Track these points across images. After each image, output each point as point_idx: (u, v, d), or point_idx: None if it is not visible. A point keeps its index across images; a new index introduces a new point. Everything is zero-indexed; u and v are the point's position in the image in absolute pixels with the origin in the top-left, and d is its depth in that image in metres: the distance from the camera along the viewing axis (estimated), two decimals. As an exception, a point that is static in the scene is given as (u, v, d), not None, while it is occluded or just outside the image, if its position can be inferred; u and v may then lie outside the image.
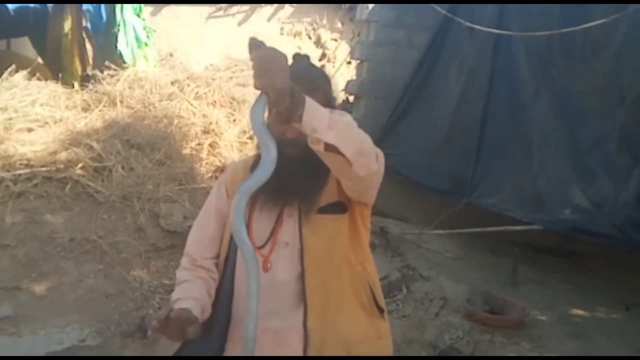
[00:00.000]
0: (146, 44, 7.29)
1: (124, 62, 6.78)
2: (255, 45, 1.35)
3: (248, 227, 1.71)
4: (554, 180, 4.87)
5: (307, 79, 1.66)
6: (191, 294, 1.74)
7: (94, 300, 4.25)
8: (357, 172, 1.51)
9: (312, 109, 1.39)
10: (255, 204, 1.76)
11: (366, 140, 1.53)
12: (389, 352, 1.91)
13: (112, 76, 6.53)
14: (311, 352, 1.70)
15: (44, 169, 5.05)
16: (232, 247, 1.79)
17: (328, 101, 1.70)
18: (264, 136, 1.37)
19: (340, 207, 1.75)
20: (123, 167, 5.33)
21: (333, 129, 1.41)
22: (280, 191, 1.71)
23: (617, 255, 5.10)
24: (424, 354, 4.02)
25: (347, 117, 1.49)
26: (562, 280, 5.09)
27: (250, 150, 6.59)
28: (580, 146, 4.79)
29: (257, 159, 1.75)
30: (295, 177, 1.68)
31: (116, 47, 6.80)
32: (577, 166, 4.77)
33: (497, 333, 4.06)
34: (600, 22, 4.45)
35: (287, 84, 1.33)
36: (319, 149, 1.45)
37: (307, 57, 1.83)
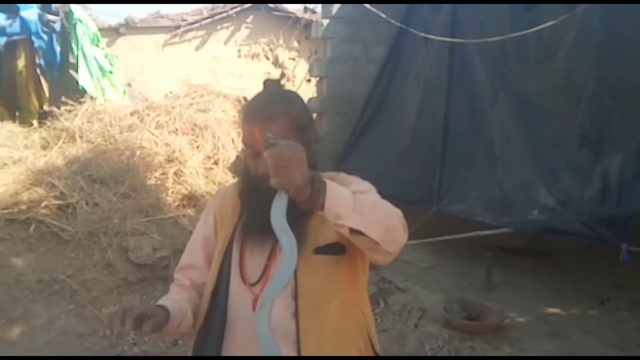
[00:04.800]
0: (111, 72, 7.25)
1: (84, 95, 6.71)
2: (270, 143, 1.28)
3: (241, 263, 1.65)
4: (519, 182, 4.91)
5: (265, 108, 1.55)
6: (169, 296, 1.71)
7: (66, 341, 4.15)
8: (385, 249, 1.43)
9: (334, 194, 1.34)
10: (247, 240, 1.66)
11: (392, 214, 1.45)
12: None
13: (69, 111, 6.45)
14: None
15: (5, 211, 4.95)
16: (222, 279, 1.68)
17: (298, 124, 1.58)
18: (287, 237, 1.31)
19: (339, 248, 1.61)
20: (87, 203, 5.25)
21: (358, 212, 1.35)
22: (268, 226, 1.45)
23: (587, 252, 5.16)
24: (405, 366, 4.00)
25: (372, 195, 1.42)
26: (536, 280, 5.13)
27: (216, 176, 6.54)
28: (542, 146, 4.85)
29: (245, 186, 1.68)
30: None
31: (77, 82, 6.74)
32: (540, 166, 4.82)
33: (477, 339, 4.07)
34: (550, 24, 4.54)
35: (306, 178, 1.28)
36: (343, 233, 1.38)
37: (277, 82, 1.74)
